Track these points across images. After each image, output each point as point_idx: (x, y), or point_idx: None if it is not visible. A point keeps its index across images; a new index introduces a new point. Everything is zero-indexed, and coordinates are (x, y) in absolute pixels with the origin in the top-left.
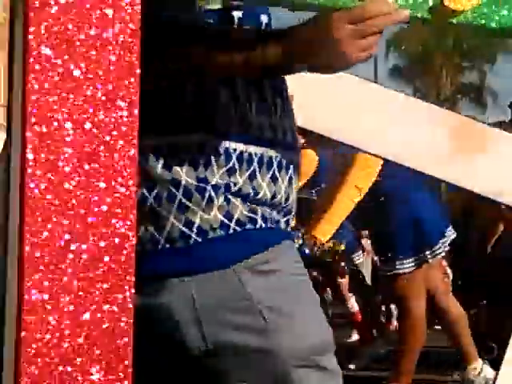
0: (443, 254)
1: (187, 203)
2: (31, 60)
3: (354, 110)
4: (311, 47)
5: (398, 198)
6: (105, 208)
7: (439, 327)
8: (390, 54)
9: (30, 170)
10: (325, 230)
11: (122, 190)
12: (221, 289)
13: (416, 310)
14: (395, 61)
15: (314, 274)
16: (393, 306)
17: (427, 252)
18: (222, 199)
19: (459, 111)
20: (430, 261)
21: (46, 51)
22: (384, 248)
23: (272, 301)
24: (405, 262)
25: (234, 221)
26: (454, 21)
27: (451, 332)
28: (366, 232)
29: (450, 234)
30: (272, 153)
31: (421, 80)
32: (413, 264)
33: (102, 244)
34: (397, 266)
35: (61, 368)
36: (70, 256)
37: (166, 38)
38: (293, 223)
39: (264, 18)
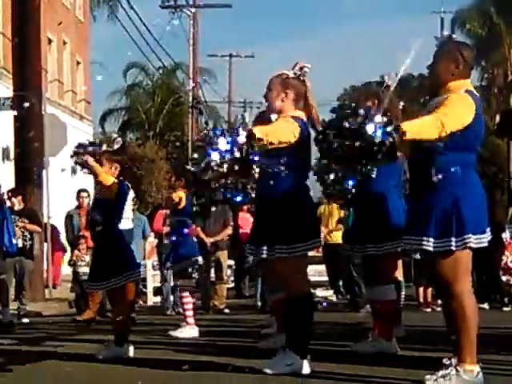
0: (471, 247)
1: None
2: None
3: None
4: None
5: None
6: None
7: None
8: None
9: None
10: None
11: None
12: None
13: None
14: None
15: None
16: None
17: (453, 239)
18: None
19: None
20: (454, 249)
21: None
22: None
23: None
24: (430, 240)
25: None
26: None
27: None
28: None
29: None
30: None
31: None
32: (434, 245)
33: None
34: (423, 243)
35: None
36: None
37: None
38: None
39: None
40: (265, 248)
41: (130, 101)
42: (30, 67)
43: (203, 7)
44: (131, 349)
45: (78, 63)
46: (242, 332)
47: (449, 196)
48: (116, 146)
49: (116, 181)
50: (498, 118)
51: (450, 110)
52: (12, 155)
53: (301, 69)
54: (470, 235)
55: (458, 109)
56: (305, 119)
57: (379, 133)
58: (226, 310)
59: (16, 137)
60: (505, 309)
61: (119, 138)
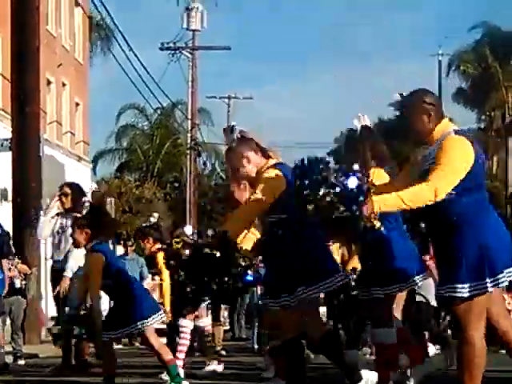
0: (505, 284)
1: None
2: None
3: None
4: None
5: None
6: None
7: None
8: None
9: None
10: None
11: None
12: None
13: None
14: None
15: None
16: None
17: (488, 280)
18: None
19: None
20: (490, 290)
21: None
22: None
23: None
24: (465, 286)
25: None
26: None
27: None
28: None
29: None
30: None
31: None
32: (470, 290)
33: None
34: (457, 290)
35: None
36: None
37: None
38: None
39: None
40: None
41: (127, 142)
42: (28, 109)
43: (202, 49)
44: None
45: (77, 105)
46: (238, 375)
47: (474, 240)
48: (84, 211)
49: (94, 255)
50: (495, 160)
51: (447, 169)
52: (10, 196)
53: (231, 130)
54: (503, 272)
55: (455, 162)
56: (283, 164)
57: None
58: (223, 352)
59: (14, 178)
60: (502, 351)
61: (87, 203)
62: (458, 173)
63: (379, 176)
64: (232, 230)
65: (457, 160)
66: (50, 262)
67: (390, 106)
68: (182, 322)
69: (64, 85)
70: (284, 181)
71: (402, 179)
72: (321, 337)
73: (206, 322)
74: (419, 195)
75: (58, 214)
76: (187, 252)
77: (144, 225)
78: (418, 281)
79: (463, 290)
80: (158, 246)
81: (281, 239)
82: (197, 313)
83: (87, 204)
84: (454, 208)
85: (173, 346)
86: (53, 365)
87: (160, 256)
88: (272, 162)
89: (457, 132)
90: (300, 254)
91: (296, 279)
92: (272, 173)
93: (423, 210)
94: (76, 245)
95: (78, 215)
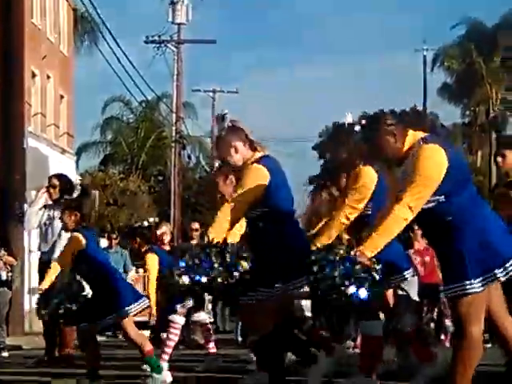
0: None
1: None
2: None
3: None
4: None
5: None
6: None
7: None
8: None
9: None
10: (374, 246)
11: None
12: None
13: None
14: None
15: None
16: None
17: (497, 271)
18: None
19: None
20: (502, 278)
21: None
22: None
23: None
24: (474, 282)
25: None
26: None
27: None
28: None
29: None
30: None
31: None
32: (481, 284)
33: None
34: (467, 287)
35: None
36: None
37: None
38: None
39: None
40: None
41: (112, 135)
42: (12, 101)
43: (187, 42)
44: None
45: (62, 97)
46: (222, 367)
47: (473, 234)
48: (75, 194)
49: (74, 234)
50: (479, 154)
51: (418, 182)
52: None
53: (222, 118)
54: (511, 261)
55: (427, 172)
56: (268, 157)
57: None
58: None
59: None
60: (486, 345)
61: (79, 186)
62: (430, 181)
63: (367, 173)
64: (217, 236)
65: (428, 169)
66: (33, 254)
67: (354, 135)
68: (174, 318)
69: (49, 77)
70: (267, 177)
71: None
72: (264, 336)
73: (202, 316)
74: (396, 221)
75: (45, 206)
76: (186, 280)
77: (137, 225)
78: (406, 276)
79: (475, 286)
80: (147, 247)
81: (262, 233)
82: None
83: (78, 187)
84: (448, 209)
85: (157, 341)
86: (36, 356)
87: (150, 257)
88: (258, 155)
89: (424, 140)
90: (280, 248)
91: (274, 274)
92: (255, 170)
93: (418, 216)
94: (64, 228)
95: (68, 198)
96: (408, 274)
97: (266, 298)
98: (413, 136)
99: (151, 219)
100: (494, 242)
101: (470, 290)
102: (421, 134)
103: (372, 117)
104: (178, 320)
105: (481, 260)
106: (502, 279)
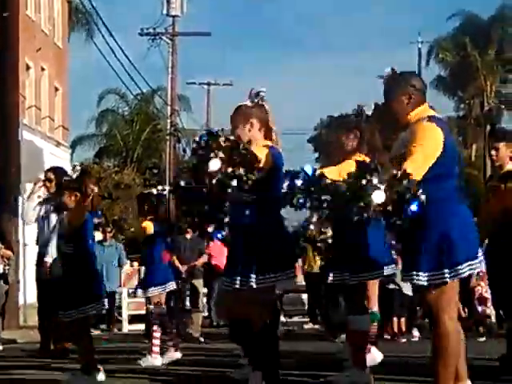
0: (464, 276)
1: None
2: None
3: None
4: None
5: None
6: None
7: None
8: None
9: None
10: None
11: None
12: None
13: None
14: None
15: None
16: None
17: (446, 271)
18: None
19: None
20: (449, 280)
21: None
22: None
23: None
24: (423, 274)
25: None
26: None
27: None
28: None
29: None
30: None
31: None
32: (428, 278)
33: None
34: (416, 278)
35: None
36: None
37: None
38: None
39: None
40: (253, 277)
41: (107, 127)
42: (7, 94)
43: (182, 35)
44: (101, 375)
45: (57, 89)
46: (216, 361)
47: (436, 228)
48: (75, 175)
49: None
50: (474, 148)
51: (418, 153)
52: None
53: (257, 94)
54: (463, 264)
55: (425, 148)
56: (277, 148)
57: (414, 207)
58: (201, 339)
59: None
60: (480, 339)
61: (79, 167)
62: (428, 159)
63: None
64: None
65: (428, 147)
66: (28, 248)
67: (378, 78)
68: (153, 309)
69: (43, 69)
70: (271, 160)
71: None
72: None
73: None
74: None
75: (42, 201)
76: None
77: (147, 192)
78: (385, 272)
79: (421, 279)
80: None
81: (247, 219)
82: (159, 299)
83: (78, 168)
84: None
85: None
86: (31, 350)
87: (148, 225)
88: (267, 143)
89: (430, 119)
90: (262, 238)
91: (251, 264)
92: (263, 150)
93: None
94: (64, 208)
95: (67, 179)
96: (388, 269)
97: (240, 288)
98: (423, 111)
99: (160, 187)
100: (454, 241)
101: (418, 282)
102: (431, 113)
103: (404, 71)
104: (158, 311)
105: (435, 256)
106: (449, 281)
